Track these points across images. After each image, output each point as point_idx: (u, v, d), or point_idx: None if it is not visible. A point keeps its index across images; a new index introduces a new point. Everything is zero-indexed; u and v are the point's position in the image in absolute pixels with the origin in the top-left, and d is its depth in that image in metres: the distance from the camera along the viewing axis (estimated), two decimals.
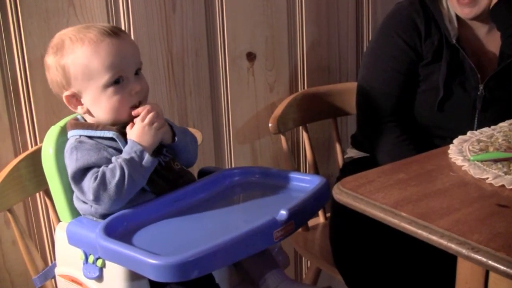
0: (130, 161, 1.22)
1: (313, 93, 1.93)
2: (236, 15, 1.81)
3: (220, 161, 1.89)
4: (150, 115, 1.27)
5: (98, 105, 1.29)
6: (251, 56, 1.87)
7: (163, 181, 1.31)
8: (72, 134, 1.30)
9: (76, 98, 1.30)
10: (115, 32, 1.28)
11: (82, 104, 1.31)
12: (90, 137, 1.28)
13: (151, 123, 1.27)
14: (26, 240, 1.40)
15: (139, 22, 1.63)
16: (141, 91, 1.30)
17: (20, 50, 1.47)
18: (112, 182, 1.21)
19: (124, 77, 1.28)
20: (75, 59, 1.26)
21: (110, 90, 1.27)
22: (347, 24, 2.09)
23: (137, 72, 1.31)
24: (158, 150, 1.32)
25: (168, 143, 1.34)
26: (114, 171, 1.21)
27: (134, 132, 1.27)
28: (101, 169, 1.23)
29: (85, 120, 1.34)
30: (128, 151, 1.24)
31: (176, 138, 1.35)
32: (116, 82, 1.27)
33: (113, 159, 1.24)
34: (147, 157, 1.24)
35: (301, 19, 1.96)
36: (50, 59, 1.30)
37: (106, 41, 1.26)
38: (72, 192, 1.32)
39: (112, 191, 1.21)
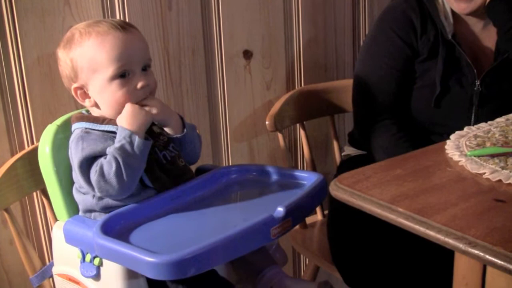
0: (121, 149, 1.21)
1: (310, 90, 1.93)
2: (233, 13, 1.81)
3: (217, 159, 1.89)
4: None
5: (103, 98, 1.29)
6: (247, 54, 1.87)
7: (167, 176, 1.31)
8: (77, 127, 1.30)
9: (83, 91, 1.31)
10: (123, 27, 1.28)
11: (89, 97, 1.31)
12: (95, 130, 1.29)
13: (139, 105, 1.27)
14: (23, 240, 1.40)
15: (135, 21, 1.63)
16: (147, 87, 1.29)
17: (15, 49, 1.47)
18: (111, 173, 1.21)
19: (130, 71, 1.28)
20: (82, 51, 1.27)
21: (115, 83, 1.27)
22: (343, 22, 2.09)
23: (145, 68, 1.31)
24: (164, 145, 1.33)
25: (178, 134, 1.34)
26: (110, 162, 1.21)
27: (122, 117, 1.26)
28: (99, 161, 1.23)
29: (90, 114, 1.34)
30: (118, 139, 1.24)
31: (185, 130, 1.35)
32: (122, 76, 1.27)
33: (107, 149, 1.23)
34: (137, 140, 1.23)
35: (297, 17, 1.96)
36: (60, 52, 1.32)
37: (113, 34, 1.26)
38: (69, 191, 1.32)
39: (113, 182, 1.21)
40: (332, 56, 2.09)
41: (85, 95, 1.31)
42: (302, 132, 1.90)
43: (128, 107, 1.26)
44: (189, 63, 1.76)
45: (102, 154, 1.24)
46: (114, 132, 1.27)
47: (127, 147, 1.22)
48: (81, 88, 1.30)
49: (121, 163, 1.20)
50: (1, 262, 1.55)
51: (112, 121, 1.29)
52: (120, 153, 1.21)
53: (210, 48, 1.80)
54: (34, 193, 1.55)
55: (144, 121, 1.26)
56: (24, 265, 1.41)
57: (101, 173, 1.21)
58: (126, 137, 1.23)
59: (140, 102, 1.29)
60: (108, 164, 1.21)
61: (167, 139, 1.35)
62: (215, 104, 1.85)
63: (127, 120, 1.25)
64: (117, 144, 1.23)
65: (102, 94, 1.28)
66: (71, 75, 1.30)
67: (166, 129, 1.35)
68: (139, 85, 1.28)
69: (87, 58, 1.27)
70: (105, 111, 1.30)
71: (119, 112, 1.28)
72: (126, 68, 1.27)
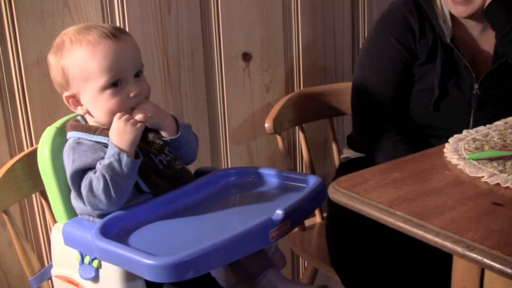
0: (109, 167, 1.21)
1: (309, 93, 1.93)
2: (232, 15, 1.81)
3: (216, 162, 1.89)
4: (125, 115, 1.26)
5: (96, 106, 1.28)
6: (246, 57, 1.87)
7: (164, 180, 1.31)
8: (71, 136, 1.30)
9: (75, 99, 1.31)
10: (114, 34, 1.27)
11: (81, 105, 1.31)
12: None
13: (127, 119, 1.25)
14: (22, 241, 1.40)
15: (135, 24, 1.63)
16: (139, 94, 1.29)
17: (15, 51, 1.47)
18: (99, 189, 1.21)
19: (123, 80, 1.27)
20: (73, 60, 1.26)
21: (108, 92, 1.26)
22: (342, 24, 2.09)
23: (138, 74, 1.30)
24: (160, 150, 1.32)
25: (173, 135, 1.34)
26: (98, 178, 1.21)
27: (112, 132, 1.25)
28: (89, 175, 1.23)
29: (85, 121, 1.34)
30: (107, 155, 1.23)
31: (179, 131, 1.34)
32: (114, 84, 1.26)
33: (97, 165, 1.23)
34: (125, 159, 1.21)
35: (296, 20, 1.96)
36: (51, 59, 1.31)
37: (104, 43, 1.25)
38: (68, 193, 1.32)
39: (102, 198, 1.21)
40: (331, 59, 2.09)
41: (77, 103, 1.31)
42: (301, 135, 1.90)
43: (115, 123, 1.25)
44: (188, 66, 1.76)
45: (92, 166, 1.24)
46: (106, 143, 1.27)
47: (115, 165, 1.21)
48: (73, 96, 1.30)
49: (108, 180, 1.20)
50: (0, 264, 1.55)
51: (104, 131, 1.28)
52: (107, 171, 1.21)
53: (209, 51, 1.80)
54: (33, 195, 1.55)
55: (131, 138, 1.23)
56: (23, 266, 1.41)
57: (90, 189, 1.22)
58: (115, 155, 1.22)
59: (134, 107, 1.29)
60: (96, 180, 1.21)
61: (162, 143, 1.34)
62: (214, 106, 1.85)
63: (116, 137, 1.24)
64: (106, 160, 1.22)
65: (95, 102, 1.28)
66: (62, 82, 1.30)
67: (161, 132, 1.35)
68: (132, 94, 1.28)
69: (78, 68, 1.26)
70: (98, 118, 1.30)
71: (112, 120, 1.27)
72: (118, 77, 1.27)
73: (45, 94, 1.51)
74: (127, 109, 1.28)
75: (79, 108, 1.31)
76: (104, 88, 1.26)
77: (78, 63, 1.26)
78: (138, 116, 1.27)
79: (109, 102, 1.27)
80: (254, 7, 1.86)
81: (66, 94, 1.30)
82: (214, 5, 1.78)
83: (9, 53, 1.47)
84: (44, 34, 1.49)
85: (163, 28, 1.69)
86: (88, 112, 1.31)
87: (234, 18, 1.82)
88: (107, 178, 1.20)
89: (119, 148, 1.22)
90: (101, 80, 1.25)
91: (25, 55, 1.48)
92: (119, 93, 1.27)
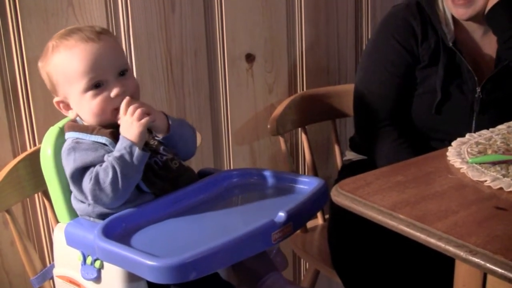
0: (120, 159, 1.22)
1: (312, 94, 1.93)
2: (235, 16, 1.81)
3: (218, 163, 1.89)
4: (131, 107, 1.26)
5: (82, 109, 1.30)
6: (250, 58, 1.87)
7: (162, 181, 1.31)
8: (69, 136, 1.31)
9: (65, 103, 1.32)
10: (91, 38, 1.27)
11: (71, 109, 1.32)
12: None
13: (131, 114, 1.26)
14: (24, 241, 1.40)
15: (138, 23, 1.63)
16: (122, 93, 1.28)
17: (19, 50, 1.47)
18: (106, 181, 1.21)
19: (104, 81, 1.28)
20: (54, 66, 1.29)
21: (89, 94, 1.27)
22: (346, 26, 2.09)
23: (123, 73, 1.30)
24: (155, 151, 1.32)
25: (164, 134, 1.34)
26: (106, 170, 1.21)
27: (122, 128, 1.27)
28: (95, 169, 1.23)
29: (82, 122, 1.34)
30: (118, 148, 1.24)
31: (170, 129, 1.34)
32: (96, 86, 1.27)
33: (105, 157, 1.24)
34: (137, 151, 1.23)
35: (300, 21, 1.96)
36: (40, 65, 1.33)
37: (80, 46, 1.26)
38: (71, 193, 1.32)
39: (108, 190, 1.21)
40: (334, 60, 2.09)
41: (68, 107, 1.33)
42: (303, 136, 1.90)
43: (123, 118, 1.26)
44: (191, 65, 1.76)
45: (93, 164, 1.24)
46: (104, 143, 1.27)
47: (127, 157, 1.22)
48: (62, 101, 1.32)
49: (118, 172, 1.21)
50: (2, 263, 1.56)
51: (101, 131, 1.29)
52: (119, 162, 1.21)
53: (213, 51, 1.80)
54: (36, 195, 1.55)
55: (137, 133, 1.24)
56: (24, 266, 1.41)
57: (97, 181, 1.22)
58: (127, 148, 1.23)
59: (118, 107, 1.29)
60: (104, 172, 1.22)
61: (157, 143, 1.34)
62: (217, 106, 1.85)
63: (125, 130, 1.25)
64: (116, 153, 1.23)
65: (80, 106, 1.29)
66: (51, 88, 1.33)
67: (154, 131, 1.34)
68: (113, 93, 1.28)
69: (60, 73, 1.28)
70: (87, 121, 1.31)
71: (99, 121, 1.29)
72: (98, 79, 1.27)
73: (48, 94, 1.51)
74: (111, 109, 1.29)
75: (70, 112, 1.33)
76: (85, 91, 1.27)
77: (58, 68, 1.28)
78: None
79: (91, 103, 1.28)
80: (258, 8, 1.86)
81: (56, 99, 1.33)
82: (218, 5, 1.78)
83: (12, 52, 1.47)
84: (48, 33, 1.49)
85: (166, 27, 1.69)
86: (78, 116, 1.33)
87: (238, 18, 1.82)
88: (117, 169, 1.21)
89: (131, 141, 1.23)
90: (82, 83, 1.27)
91: (28, 55, 1.48)
92: (100, 94, 1.28)
